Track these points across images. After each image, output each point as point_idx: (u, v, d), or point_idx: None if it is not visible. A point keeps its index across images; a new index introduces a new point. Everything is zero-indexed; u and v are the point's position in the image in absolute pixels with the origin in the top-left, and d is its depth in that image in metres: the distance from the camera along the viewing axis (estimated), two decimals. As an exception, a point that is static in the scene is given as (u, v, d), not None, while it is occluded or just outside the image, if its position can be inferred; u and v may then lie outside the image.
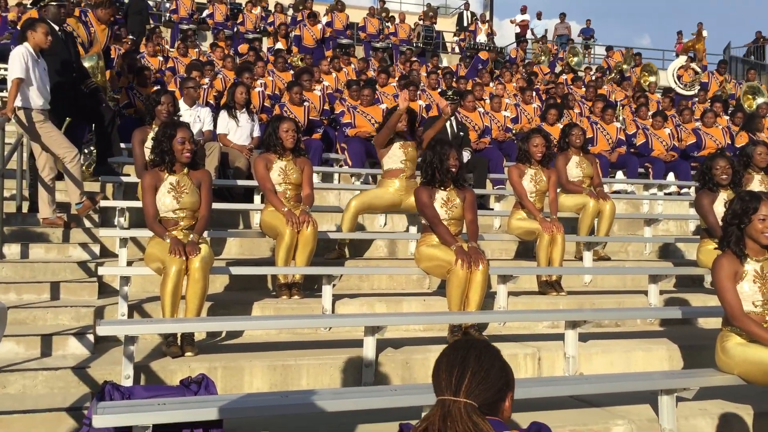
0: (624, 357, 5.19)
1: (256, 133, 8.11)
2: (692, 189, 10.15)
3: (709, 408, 4.32)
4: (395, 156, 6.55)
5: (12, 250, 5.84)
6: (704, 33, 18.59)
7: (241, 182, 7.48)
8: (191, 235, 4.76)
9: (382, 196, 6.57)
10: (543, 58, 17.94)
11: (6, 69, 7.49)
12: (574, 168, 7.31)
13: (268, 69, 11.84)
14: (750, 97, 14.08)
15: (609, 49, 19.61)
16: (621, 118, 12.09)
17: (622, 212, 8.52)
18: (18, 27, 9.07)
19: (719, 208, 6.00)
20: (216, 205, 6.73)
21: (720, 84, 15.99)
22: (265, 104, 9.86)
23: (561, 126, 9.94)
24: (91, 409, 3.28)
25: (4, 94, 7.80)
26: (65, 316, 4.91)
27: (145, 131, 6.35)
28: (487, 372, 1.88)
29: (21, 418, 3.74)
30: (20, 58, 6.01)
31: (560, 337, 5.08)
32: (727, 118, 12.19)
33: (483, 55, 16.95)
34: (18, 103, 6.00)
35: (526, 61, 18.69)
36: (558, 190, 7.39)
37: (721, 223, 4.34)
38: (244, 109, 8.13)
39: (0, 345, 4.09)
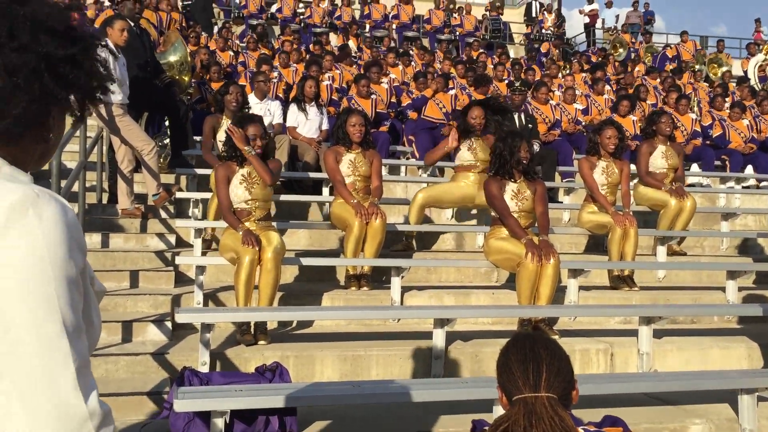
0: (700, 355, 5.04)
1: (325, 126, 8.20)
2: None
3: (792, 409, 4.16)
4: (463, 157, 6.51)
5: (93, 239, 6.07)
6: None
7: (310, 174, 7.57)
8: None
9: (453, 191, 6.53)
10: (621, 50, 17.42)
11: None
12: (659, 158, 7.08)
13: (335, 62, 11.94)
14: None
15: (684, 33, 18.76)
16: (696, 108, 11.71)
17: (699, 206, 8.22)
18: (95, 24, 9.40)
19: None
20: (285, 197, 6.88)
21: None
22: (333, 97, 9.95)
23: (633, 117, 9.74)
24: (171, 394, 3.40)
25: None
26: (144, 304, 5.08)
27: (217, 119, 6.56)
28: (560, 362, 1.84)
29: (104, 401, 3.89)
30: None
31: (633, 333, 4.98)
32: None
33: (544, 47, 16.66)
34: (99, 98, 6.22)
35: (598, 50, 18.28)
36: (635, 181, 7.21)
37: None
38: (313, 103, 8.22)
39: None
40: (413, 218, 6.49)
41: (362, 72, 10.20)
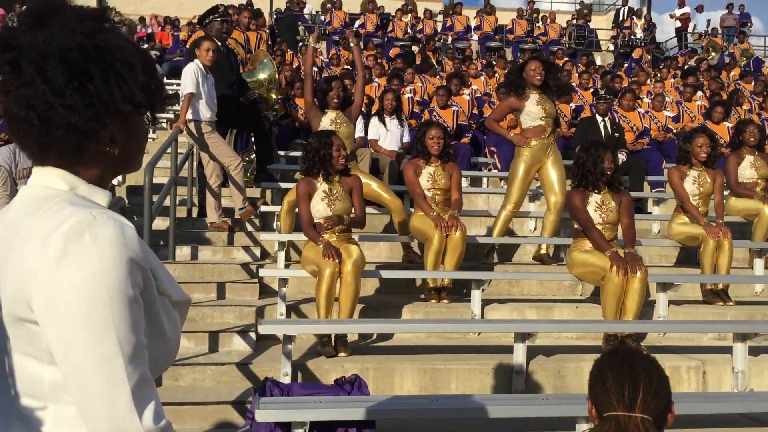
0: (802, 374, 4.76)
1: (406, 139, 8.24)
2: None
3: None
4: (532, 113, 6.28)
5: (183, 252, 6.31)
6: None
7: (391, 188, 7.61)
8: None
9: (516, 168, 6.35)
10: (713, 54, 16.75)
11: (179, 84, 8.14)
12: (748, 168, 6.78)
13: (417, 75, 11.99)
14: None
15: None
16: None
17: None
18: (186, 45, 9.79)
19: None
20: (366, 209, 6.94)
21: None
22: (414, 110, 10.00)
23: (728, 124, 9.33)
24: (254, 404, 3.48)
25: (177, 107, 8.47)
26: (230, 315, 5.23)
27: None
28: (658, 383, 1.76)
29: (191, 409, 4.04)
30: (192, 74, 6.49)
31: (727, 350, 4.76)
32: None
33: (636, 53, 16.18)
34: (189, 116, 6.48)
35: (688, 52, 17.63)
36: (726, 193, 6.91)
37: None
38: (394, 116, 8.28)
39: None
40: (498, 231, 6.41)
41: (444, 84, 10.21)
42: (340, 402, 3.43)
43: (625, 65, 15.32)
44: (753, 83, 12.87)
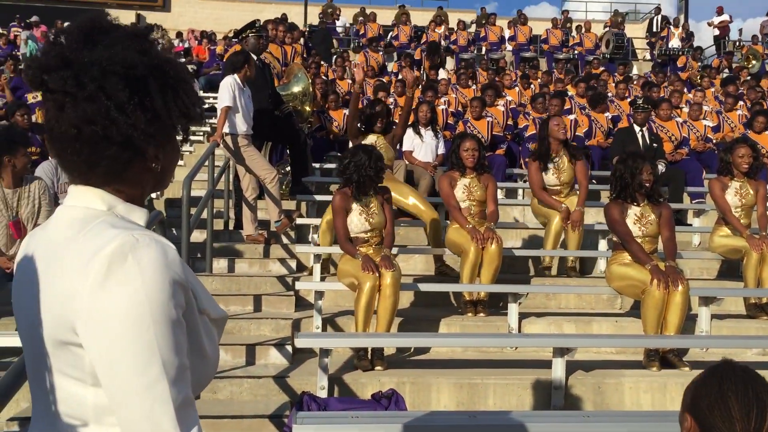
0: None
1: (441, 150, 8.22)
2: None
3: None
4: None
5: (220, 264, 6.36)
6: None
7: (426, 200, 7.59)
8: (383, 249, 4.93)
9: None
10: (754, 62, 16.46)
11: (215, 98, 8.25)
12: None
13: (452, 85, 11.98)
14: None
15: None
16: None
17: None
18: (222, 59, 9.93)
19: None
20: (403, 221, 6.93)
21: None
22: (448, 121, 9.98)
23: (770, 133, 9.12)
24: (291, 418, 3.48)
25: (214, 120, 8.58)
26: (266, 328, 5.25)
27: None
28: None
29: (229, 422, 4.06)
30: (229, 87, 6.57)
31: (773, 366, 4.61)
32: None
33: (680, 61, 15.94)
34: (225, 129, 6.55)
35: (725, 55, 17.35)
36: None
37: None
38: (429, 127, 8.27)
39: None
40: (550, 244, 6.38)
41: (478, 95, 10.17)
42: (378, 417, 3.41)
43: (668, 72, 15.08)
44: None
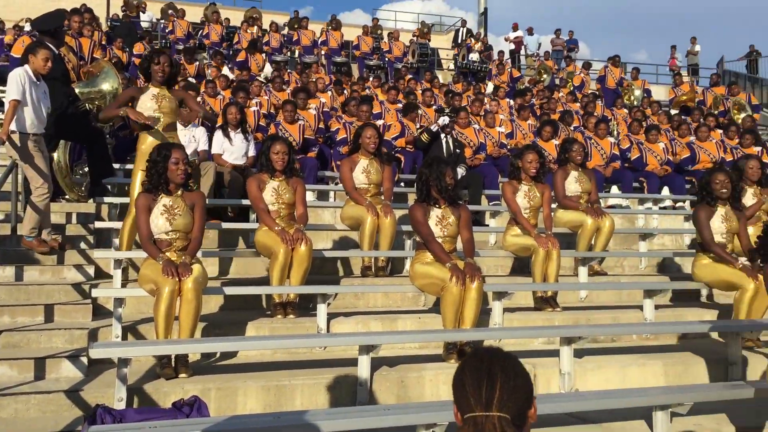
0: (620, 373, 5.18)
1: (252, 153, 8.13)
2: (687, 203, 10.18)
3: (704, 423, 4.31)
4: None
5: (6, 272, 5.83)
6: (696, 88, 17.82)
7: (236, 202, 7.49)
8: (183, 257, 4.77)
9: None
10: (545, 76, 17.94)
11: (3, 91, 7.52)
12: (573, 183, 7.32)
13: (264, 88, 11.89)
14: (736, 111, 14.19)
15: (614, 58, 18.71)
16: (615, 133, 12.13)
17: (618, 227, 8.48)
18: (14, 51, 9.09)
19: (716, 223, 6.01)
20: (212, 225, 6.77)
21: (714, 98, 16.03)
22: (260, 123, 9.89)
23: (556, 142, 10.02)
24: (82, 433, 3.27)
25: (2, 116, 7.82)
26: (59, 339, 4.90)
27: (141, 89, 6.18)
28: (516, 380, 1.76)
29: (13, 442, 3.73)
30: (17, 79, 6.00)
31: (556, 353, 5.07)
32: (721, 132, 12.25)
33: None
34: (12, 126, 5.99)
35: (524, 75, 18.77)
36: (554, 206, 7.41)
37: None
38: (239, 129, 8.15)
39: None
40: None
41: (289, 98, 10.19)
42: (178, 426, 3.29)
43: (470, 81, 15.97)
44: (577, 103, 13.92)
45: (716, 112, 14.73)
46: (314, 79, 12.97)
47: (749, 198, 6.94)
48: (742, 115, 14.12)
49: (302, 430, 3.36)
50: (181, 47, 16.00)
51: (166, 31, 17.79)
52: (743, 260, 5.93)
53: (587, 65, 19.12)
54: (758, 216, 7.00)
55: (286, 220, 5.84)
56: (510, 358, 1.84)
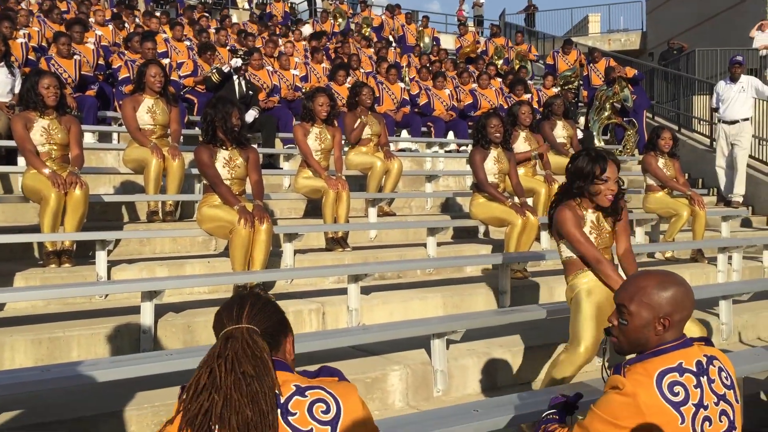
0: (402, 306, 5.45)
1: (18, 89, 7.34)
2: (470, 146, 10.85)
3: (476, 348, 4.68)
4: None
5: None
6: (479, 38, 18.76)
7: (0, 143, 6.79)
8: None
9: None
10: (340, 20, 17.97)
11: None
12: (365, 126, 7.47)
13: (36, 17, 10.75)
14: (517, 61, 15.26)
15: (396, 7, 19.37)
16: (405, 78, 12.53)
17: (407, 170, 8.88)
18: None
19: (489, 165, 6.44)
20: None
21: (496, 48, 17.05)
22: (29, 57, 8.94)
23: (348, 86, 10.14)
24: None
25: None
26: None
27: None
28: (264, 305, 1.91)
29: None
30: None
31: (345, 291, 5.21)
32: (500, 80, 13.10)
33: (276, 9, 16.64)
34: None
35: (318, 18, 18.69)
36: (345, 149, 7.54)
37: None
38: (3, 62, 7.32)
39: None
40: None
41: (64, 30, 9.30)
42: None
43: (268, 26, 15.63)
44: (372, 49, 14.15)
45: (500, 61, 15.70)
46: (93, 11, 11.94)
47: (521, 141, 7.52)
48: (522, 64, 15.18)
49: (74, 381, 3.18)
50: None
51: None
52: (514, 199, 6.46)
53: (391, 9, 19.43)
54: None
55: (58, 163, 5.40)
56: (261, 295, 2.02)
